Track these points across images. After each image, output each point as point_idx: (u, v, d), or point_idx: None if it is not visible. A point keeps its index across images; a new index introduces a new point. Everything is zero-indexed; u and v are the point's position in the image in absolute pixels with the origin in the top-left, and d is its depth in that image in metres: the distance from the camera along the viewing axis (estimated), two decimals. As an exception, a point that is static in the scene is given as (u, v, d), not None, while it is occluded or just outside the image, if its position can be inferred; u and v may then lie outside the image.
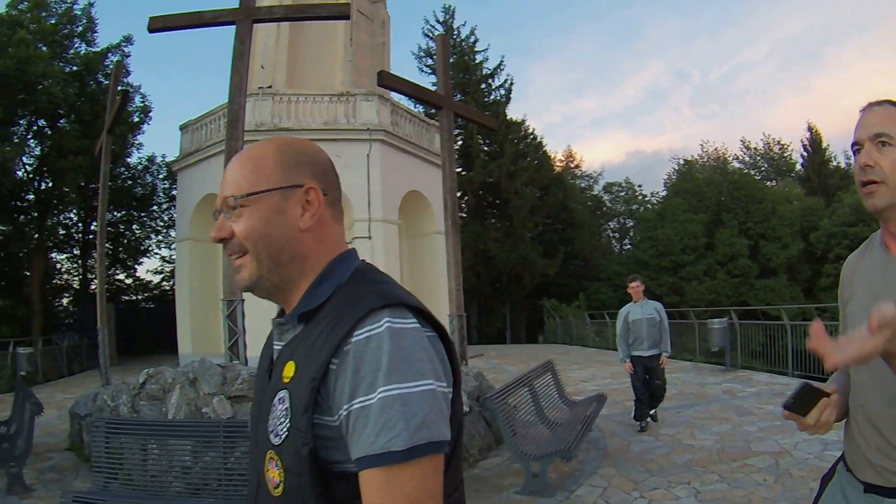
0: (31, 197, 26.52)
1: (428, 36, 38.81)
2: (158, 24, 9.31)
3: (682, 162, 47.51)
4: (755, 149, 50.42)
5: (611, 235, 50.49)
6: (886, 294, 1.65)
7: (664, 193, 44.70)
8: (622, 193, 49.45)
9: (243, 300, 8.73)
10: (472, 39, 38.63)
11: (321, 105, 19.25)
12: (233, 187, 1.27)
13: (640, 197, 48.85)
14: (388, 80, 11.03)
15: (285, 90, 19.55)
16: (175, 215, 26.82)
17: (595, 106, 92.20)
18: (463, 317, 10.72)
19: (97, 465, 5.84)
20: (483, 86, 38.25)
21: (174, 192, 30.33)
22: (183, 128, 21.62)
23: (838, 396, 1.80)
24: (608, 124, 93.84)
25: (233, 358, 8.64)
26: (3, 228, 26.56)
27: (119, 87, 14.59)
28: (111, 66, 23.62)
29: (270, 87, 19.44)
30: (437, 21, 38.77)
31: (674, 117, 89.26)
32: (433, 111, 20.60)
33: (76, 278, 32.28)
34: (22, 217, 26.63)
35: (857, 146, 1.78)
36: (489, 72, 38.86)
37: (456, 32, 38.11)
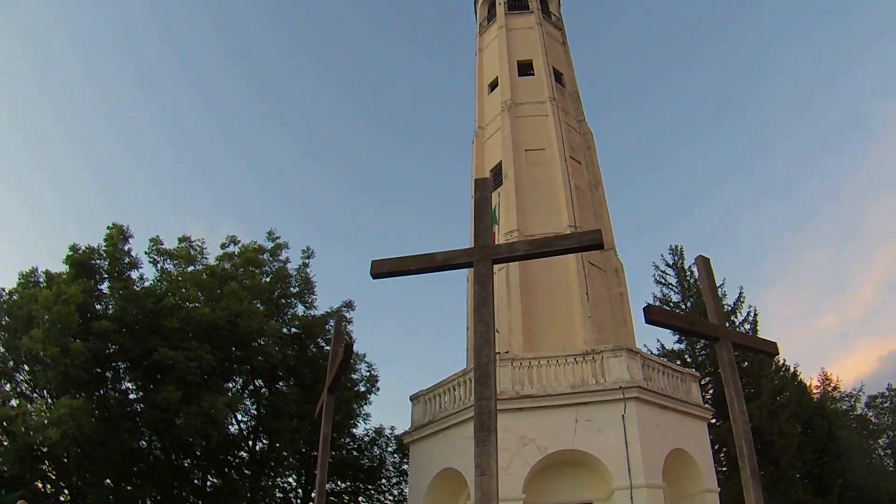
0: (245, 455, 26.41)
1: (660, 283, 37.08)
2: (383, 269, 8.36)
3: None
4: None
5: (881, 454, 43.92)
6: None
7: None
8: (886, 404, 44.13)
9: None
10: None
11: (565, 367, 18.20)
12: None
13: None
14: (656, 316, 9.54)
15: (524, 354, 18.80)
16: (406, 490, 26.22)
17: (836, 321, 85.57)
18: None
19: None
20: (727, 324, 35.76)
21: (404, 467, 29.37)
22: (414, 399, 21.10)
23: None
24: (853, 334, 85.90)
25: None
26: (215, 481, 26.50)
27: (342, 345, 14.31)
28: (331, 331, 23.72)
29: (507, 352, 19.03)
30: (668, 265, 37.27)
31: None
32: (694, 357, 19.05)
33: None
34: (233, 473, 26.43)
35: None
36: (731, 307, 36.50)
37: (689, 273, 36.50)
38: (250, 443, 26.29)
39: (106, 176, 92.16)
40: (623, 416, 17.31)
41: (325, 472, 10.89)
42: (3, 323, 23.54)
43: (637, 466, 16.94)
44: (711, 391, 30.52)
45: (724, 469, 30.61)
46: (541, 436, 17.31)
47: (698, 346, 31.96)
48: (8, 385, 23.10)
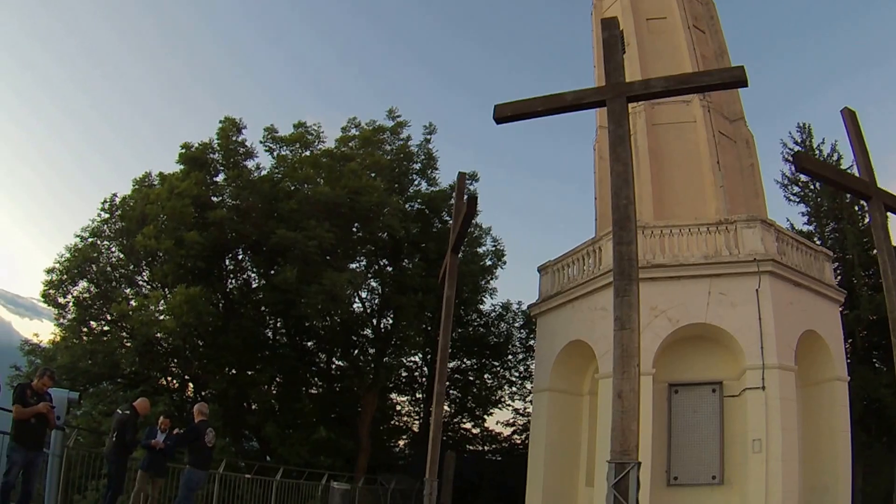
0: (370, 333, 26.55)
1: (787, 160, 34.64)
2: (507, 112, 7.75)
3: None
4: None
5: None
6: None
7: None
8: None
9: (639, 463, 6.19)
10: (835, 157, 34.13)
11: (698, 237, 16.97)
12: None
13: None
14: (806, 163, 8.86)
15: (655, 223, 17.59)
16: (532, 365, 25.75)
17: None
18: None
19: None
20: (857, 208, 33.35)
21: (531, 342, 29.36)
22: (542, 269, 20.41)
23: None
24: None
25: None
26: (341, 364, 26.99)
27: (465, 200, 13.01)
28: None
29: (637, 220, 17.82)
30: (796, 143, 34.64)
31: None
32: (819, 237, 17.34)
33: (416, 422, 31.88)
34: (357, 352, 26.74)
35: None
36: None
37: (817, 152, 33.81)
38: (374, 321, 26.35)
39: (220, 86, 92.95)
40: (757, 290, 16.10)
41: (448, 336, 10.34)
42: (119, 227, 23.94)
43: (770, 345, 15.79)
44: (838, 279, 28.47)
45: (849, 361, 28.82)
46: (672, 307, 16.35)
47: (828, 230, 29.86)
48: (129, 289, 23.75)
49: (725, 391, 16.27)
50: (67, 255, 23.45)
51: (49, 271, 23.52)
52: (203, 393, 23.89)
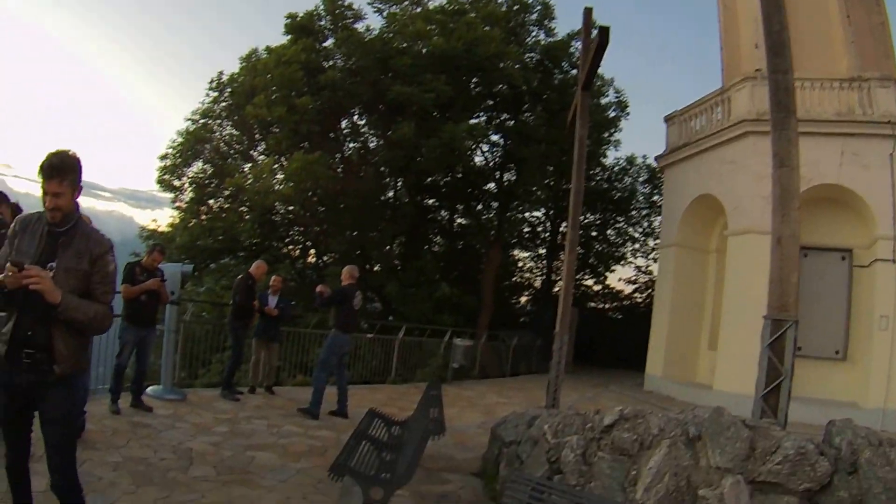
0: (493, 187, 26.07)
1: None
2: None
3: None
4: None
5: None
6: None
7: None
8: None
9: (796, 322, 5.51)
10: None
11: (829, 92, 15.39)
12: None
13: None
14: None
15: (787, 74, 16.07)
16: (656, 221, 24.96)
17: None
18: None
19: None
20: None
21: (655, 199, 28.66)
22: (668, 119, 19.17)
23: None
24: None
25: (766, 412, 5.32)
26: (464, 221, 26.83)
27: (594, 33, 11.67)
28: (576, 54, 21.93)
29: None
30: None
31: None
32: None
33: (539, 278, 31.75)
34: (480, 208, 26.43)
35: None
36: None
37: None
38: (497, 175, 25.94)
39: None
40: (891, 154, 14.62)
41: (582, 178, 9.70)
42: (229, 104, 24.02)
43: (904, 214, 14.54)
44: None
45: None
46: (804, 165, 14.99)
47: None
48: (248, 165, 23.83)
49: (855, 260, 15.17)
50: (180, 140, 23.97)
51: (162, 157, 24.21)
52: (325, 258, 24.43)
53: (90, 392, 7.36)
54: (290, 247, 25.49)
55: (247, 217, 22.50)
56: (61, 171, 3.37)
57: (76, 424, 3.53)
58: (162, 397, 9.19)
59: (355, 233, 22.75)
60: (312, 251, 25.58)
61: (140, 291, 8.14)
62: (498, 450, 6.97)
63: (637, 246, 31.83)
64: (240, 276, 10.97)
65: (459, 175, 24.12)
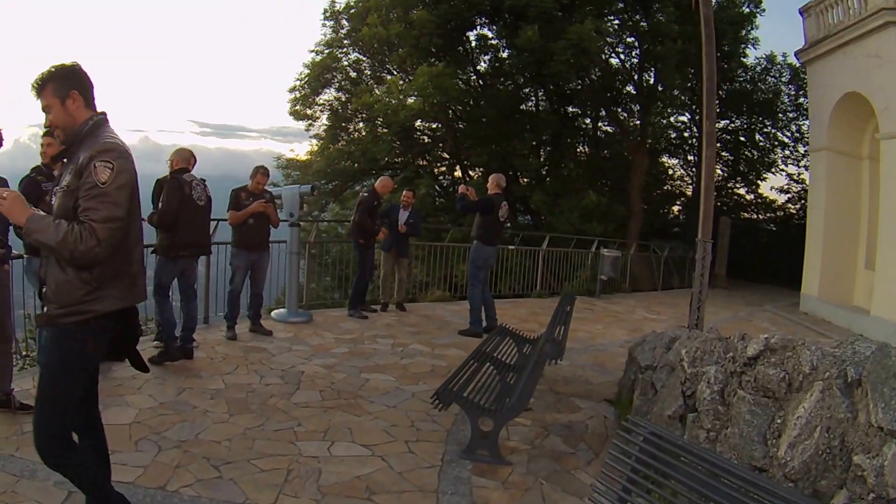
0: (632, 90, 24.51)
1: None
2: None
3: None
4: None
5: None
6: None
7: None
8: None
9: None
10: None
11: None
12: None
13: None
14: None
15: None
16: (805, 125, 22.73)
17: None
18: None
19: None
20: None
21: (800, 101, 26.36)
22: (805, 11, 16.73)
23: None
24: None
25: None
26: (607, 128, 25.79)
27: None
28: None
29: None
30: None
31: None
32: None
33: (689, 186, 29.78)
34: (621, 111, 25.17)
35: None
36: None
37: None
38: (635, 76, 24.41)
39: None
40: None
41: (713, 62, 8.49)
42: (347, 30, 23.73)
43: None
44: None
45: None
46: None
47: None
48: (376, 89, 23.08)
49: None
50: (306, 72, 24.06)
51: (292, 90, 24.42)
52: (469, 174, 24.04)
53: (195, 321, 7.22)
54: (431, 161, 25.23)
55: (382, 135, 22.27)
56: (38, 85, 2.90)
57: (64, 382, 2.91)
58: (286, 320, 9.11)
59: (496, 146, 22.12)
60: (457, 167, 25.25)
61: (246, 215, 8.01)
62: (634, 375, 6.15)
63: (788, 152, 29.29)
64: (364, 194, 10.49)
65: (596, 77, 22.79)
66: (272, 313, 9.32)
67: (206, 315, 8.77)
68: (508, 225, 14.55)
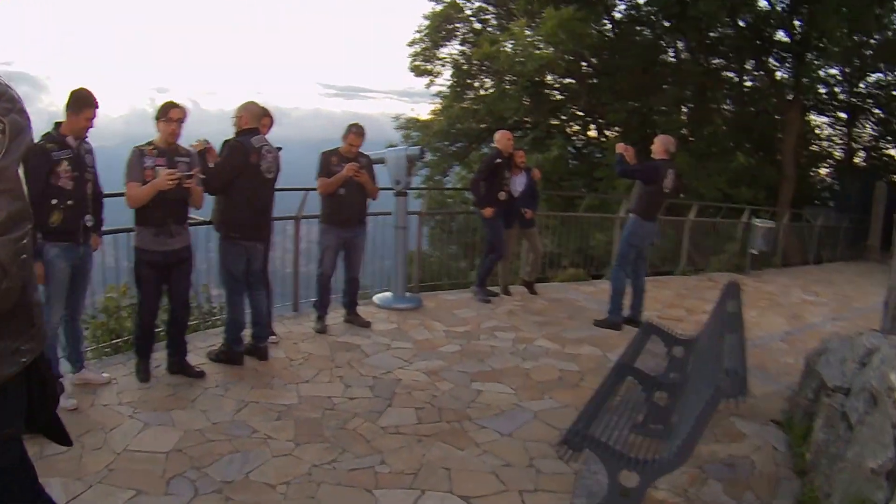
0: (783, 36, 21.79)
1: None
2: None
3: None
4: None
5: None
6: None
7: None
8: None
9: None
10: None
11: None
12: None
13: None
14: None
15: None
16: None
17: None
18: None
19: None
20: None
21: None
22: None
23: None
24: None
25: None
26: (756, 82, 23.30)
27: None
28: None
29: None
30: None
31: None
32: None
33: (840, 147, 26.95)
34: (771, 62, 22.37)
35: None
36: None
37: None
38: (787, 22, 21.56)
39: None
40: None
41: None
42: None
43: None
44: None
45: None
46: None
47: None
48: (500, 38, 21.44)
49: None
50: (426, 24, 22.64)
51: (411, 43, 22.99)
52: (605, 133, 22.26)
53: (272, 312, 6.27)
54: (564, 118, 23.44)
55: (510, 91, 20.58)
56: None
57: None
58: (391, 307, 7.78)
59: (635, 104, 20.40)
60: (591, 126, 23.40)
61: (337, 183, 6.47)
62: (814, 395, 4.70)
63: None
64: (488, 153, 8.93)
65: (744, 24, 20.53)
66: (374, 298, 8.02)
67: (296, 302, 7.60)
68: (682, 196, 12.47)
